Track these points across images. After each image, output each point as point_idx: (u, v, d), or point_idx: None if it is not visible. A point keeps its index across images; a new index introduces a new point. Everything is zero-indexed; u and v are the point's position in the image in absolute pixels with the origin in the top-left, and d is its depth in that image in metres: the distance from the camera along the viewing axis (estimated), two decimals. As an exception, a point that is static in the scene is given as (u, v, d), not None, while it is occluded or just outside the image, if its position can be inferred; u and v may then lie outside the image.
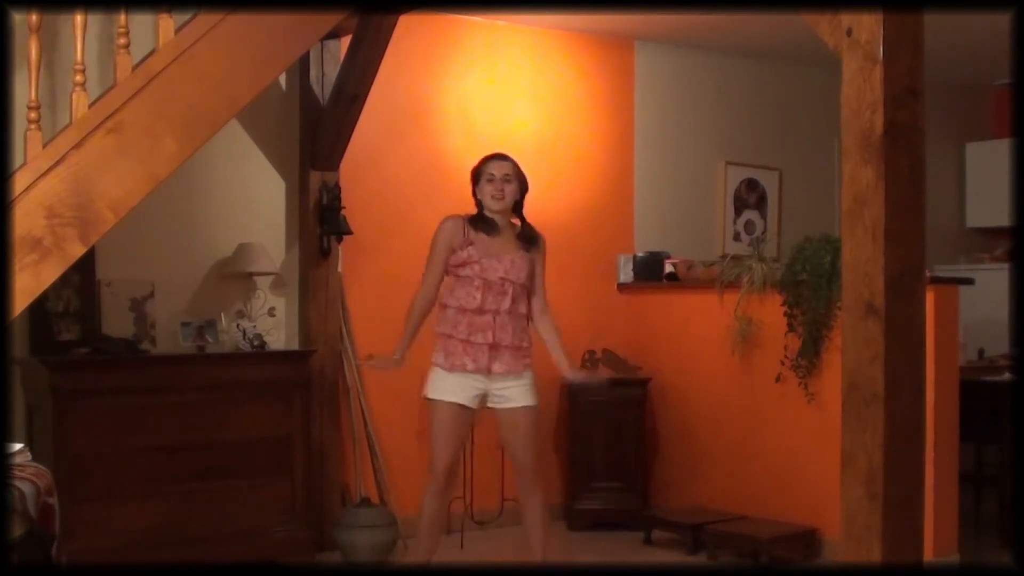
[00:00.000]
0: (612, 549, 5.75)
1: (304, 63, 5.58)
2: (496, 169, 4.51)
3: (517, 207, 4.59)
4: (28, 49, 3.59)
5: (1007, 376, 5.96)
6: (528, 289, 4.53)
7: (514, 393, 4.47)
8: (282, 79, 5.57)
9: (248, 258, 5.40)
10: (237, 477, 5.10)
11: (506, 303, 4.44)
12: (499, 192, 4.47)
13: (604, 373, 6.26)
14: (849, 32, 3.04)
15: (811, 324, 5.38)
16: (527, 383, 4.49)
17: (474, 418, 4.57)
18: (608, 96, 6.67)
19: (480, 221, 4.53)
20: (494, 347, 4.42)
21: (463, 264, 4.46)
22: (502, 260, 4.46)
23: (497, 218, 4.53)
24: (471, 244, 4.47)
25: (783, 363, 5.54)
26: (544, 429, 6.31)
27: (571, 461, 6.25)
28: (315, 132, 5.59)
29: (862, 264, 3.03)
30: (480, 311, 4.43)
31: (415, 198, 5.99)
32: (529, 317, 4.56)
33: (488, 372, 4.43)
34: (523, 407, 4.49)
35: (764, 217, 7.25)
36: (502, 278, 4.44)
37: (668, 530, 5.77)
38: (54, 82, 4.27)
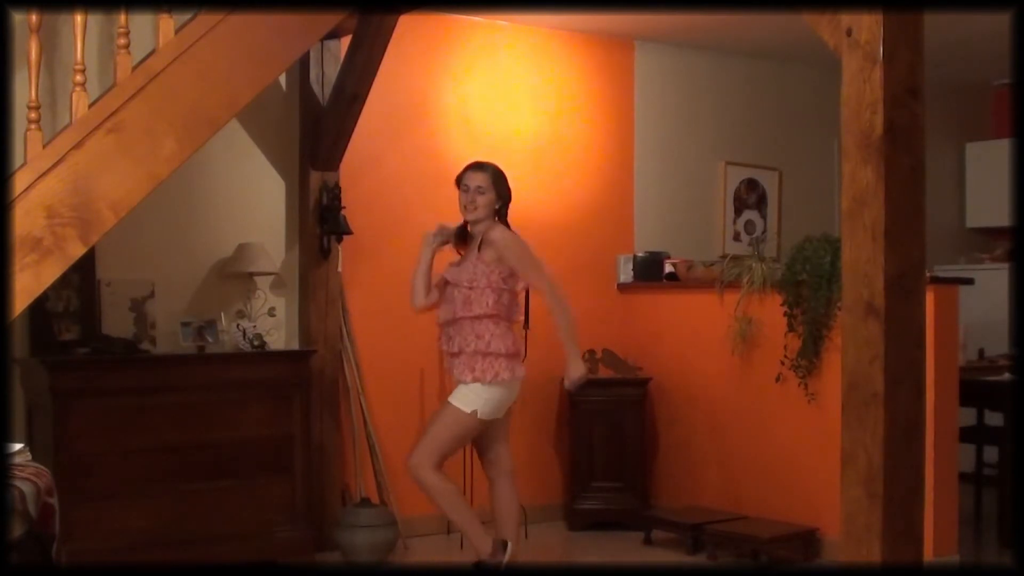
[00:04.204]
0: (612, 549, 5.75)
1: (304, 63, 5.58)
2: (470, 180, 4.54)
3: (502, 215, 4.58)
4: (28, 49, 3.60)
5: (1007, 376, 5.96)
6: (482, 291, 4.46)
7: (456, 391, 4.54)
8: (282, 79, 5.57)
9: (248, 258, 5.40)
10: (237, 477, 5.10)
11: (449, 311, 4.55)
12: (470, 204, 4.52)
13: (603, 373, 6.27)
14: (849, 32, 3.04)
15: (811, 324, 5.38)
16: (465, 387, 4.46)
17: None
18: (608, 96, 6.67)
19: (457, 235, 4.68)
20: (453, 355, 4.54)
21: None
22: (456, 267, 4.57)
23: (477, 227, 4.55)
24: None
25: (783, 363, 5.54)
26: (543, 429, 6.35)
27: (571, 461, 6.25)
28: (315, 132, 5.59)
29: (862, 264, 3.03)
30: (444, 323, 4.59)
31: (415, 198, 5.99)
32: (502, 317, 4.50)
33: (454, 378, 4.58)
34: (447, 401, 4.53)
35: (764, 217, 7.25)
36: (449, 284, 4.55)
37: (668, 530, 5.77)
38: (54, 82, 4.29)
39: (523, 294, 4.66)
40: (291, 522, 5.23)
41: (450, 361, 4.57)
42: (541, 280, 4.53)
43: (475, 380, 4.44)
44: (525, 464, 6.14)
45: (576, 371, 4.58)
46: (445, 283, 4.59)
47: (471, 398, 4.44)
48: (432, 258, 4.66)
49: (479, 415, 4.44)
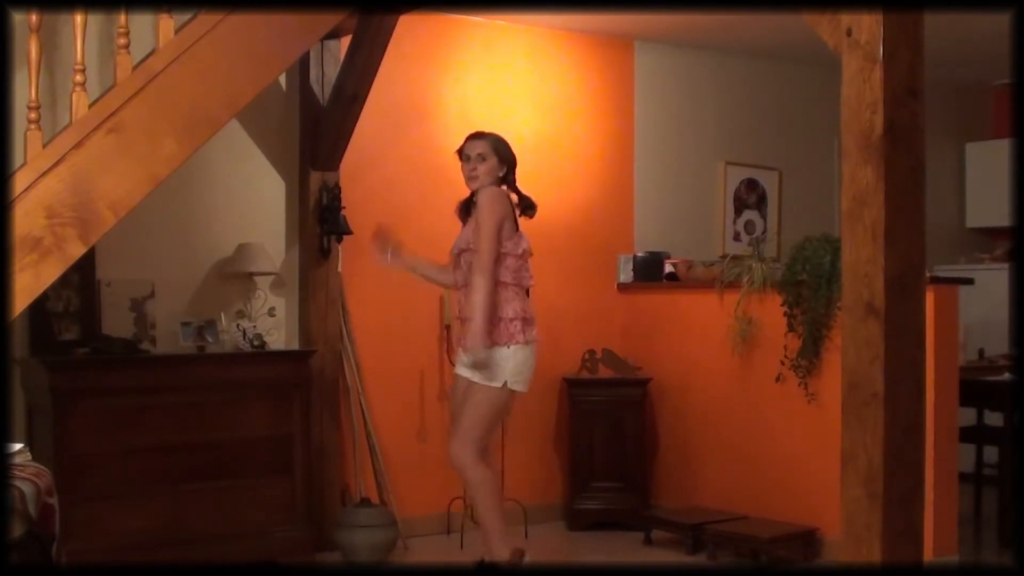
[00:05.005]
0: (612, 549, 5.75)
1: (304, 63, 5.58)
2: (469, 149, 4.60)
3: (509, 182, 4.59)
4: (28, 49, 3.60)
5: (1007, 376, 5.96)
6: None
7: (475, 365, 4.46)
8: (282, 79, 5.57)
9: (248, 258, 5.40)
10: (237, 477, 5.10)
11: (459, 276, 4.57)
12: (472, 172, 4.55)
13: (603, 373, 6.27)
14: (849, 32, 3.04)
15: (811, 324, 5.38)
16: (485, 358, 4.38)
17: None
18: (608, 96, 6.67)
19: (461, 206, 4.73)
20: (461, 320, 4.55)
21: None
22: (462, 231, 4.62)
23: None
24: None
25: (783, 363, 5.54)
26: (543, 429, 6.35)
27: (571, 461, 6.25)
28: (315, 132, 5.59)
29: (862, 264, 3.03)
30: (455, 287, 4.66)
31: (415, 198, 5.99)
32: (508, 283, 4.46)
33: (464, 347, 4.54)
34: (474, 381, 4.46)
35: (764, 217, 7.25)
36: (458, 250, 4.58)
37: (668, 530, 5.77)
38: (54, 82, 4.29)
39: (528, 259, 4.60)
40: (291, 522, 5.23)
41: (463, 330, 4.53)
42: (481, 253, 4.37)
43: (493, 344, 4.37)
44: (525, 464, 6.15)
45: (473, 342, 4.35)
46: (458, 251, 4.59)
47: (496, 371, 4.40)
48: (403, 259, 4.72)
49: (509, 385, 4.40)
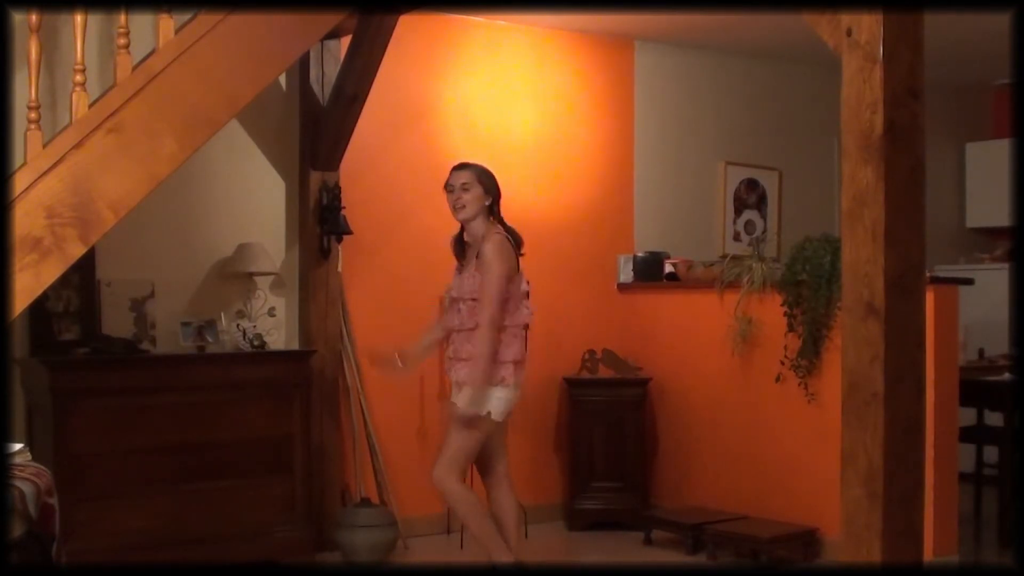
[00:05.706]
0: (612, 549, 5.75)
1: (304, 63, 5.58)
2: (453, 179, 4.55)
3: (494, 212, 4.56)
4: (28, 49, 3.60)
5: (1007, 376, 5.96)
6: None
7: (461, 394, 4.50)
8: (282, 79, 5.57)
9: (248, 258, 5.40)
10: (237, 477, 5.10)
11: (455, 321, 4.52)
12: (457, 202, 4.50)
13: (603, 373, 6.27)
14: (849, 32, 3.04)
15: (811, 324, 5.38)
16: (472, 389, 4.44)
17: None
18: (608, 96, 6.67)
19: (455, 242, 4.68)
20: (453, 360, 4.54)
21: None
22: (458, 278, 4.56)
23: (472, 227, 4.53)
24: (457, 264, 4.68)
25: (783, 363, 5.54)
26: (543, 429, 6.35)
27: (571, 461, 6.25)
28: (315, 132, 5.59)
29: (862, 264, 3.03)
30: (448, 329, 4.60)
31: (415, 198, 5.99)
32: (506, 324, 4.45)
33: (454, 384, 4.57)
34: (456, 404, 4.50)
35: (764, 217, 7.25)
36: (453, 297, 4.55)
37: (668, 530, 5.77)
38: (54, 82, 4.29)
39: (526, 295, 4.62)
40: (291, 522, 5.23)
41: (455, 365, 4.53)
42: (486, 312, 4.37)
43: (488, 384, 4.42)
44: (525, 464, 6.15)
45: (463, 402, 4.42)
46: (455, 298, 4.57)
47: (483, 402, 4.42)
48: (413, 357, 4.78)
49: (492, 416, 4.43)
